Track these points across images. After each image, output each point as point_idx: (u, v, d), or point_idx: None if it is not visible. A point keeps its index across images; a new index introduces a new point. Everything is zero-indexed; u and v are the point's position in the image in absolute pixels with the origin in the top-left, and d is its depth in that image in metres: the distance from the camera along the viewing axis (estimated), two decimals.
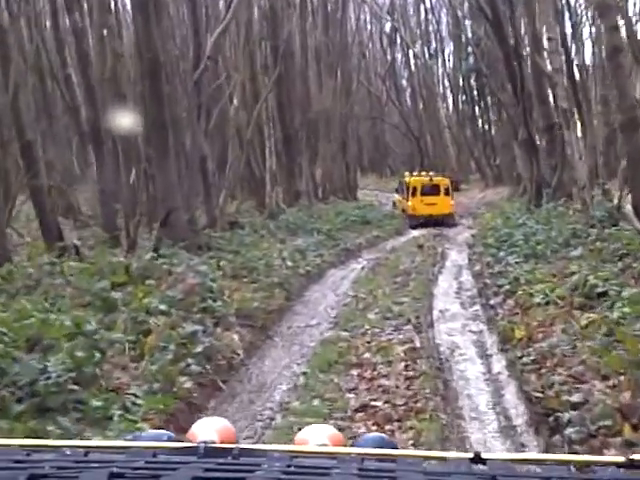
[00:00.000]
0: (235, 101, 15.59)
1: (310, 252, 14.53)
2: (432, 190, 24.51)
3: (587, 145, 20.66)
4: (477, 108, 41.79)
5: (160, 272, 9.46)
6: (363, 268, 14.41)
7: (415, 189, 24.62)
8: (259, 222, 17.79)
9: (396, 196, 28.48)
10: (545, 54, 16.77)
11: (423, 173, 28.08)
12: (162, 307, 8.26)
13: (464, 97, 42.91)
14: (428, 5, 44.55)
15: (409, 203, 24.73)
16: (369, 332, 9.24)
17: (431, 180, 24.99)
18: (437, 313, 10.51)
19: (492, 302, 9.94)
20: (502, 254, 12.03)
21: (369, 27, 46.42)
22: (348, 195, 32.18)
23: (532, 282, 9.55)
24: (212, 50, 14.26)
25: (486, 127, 43.39)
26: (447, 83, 46.00)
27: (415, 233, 22.94)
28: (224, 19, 15.65)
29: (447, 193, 24.80)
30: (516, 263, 11.09)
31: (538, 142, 19.88)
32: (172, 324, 7.74)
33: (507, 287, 9.89)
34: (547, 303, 8.37)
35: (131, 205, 14.43)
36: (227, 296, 9.80)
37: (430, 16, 45.32)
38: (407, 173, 28.64)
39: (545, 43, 14.52)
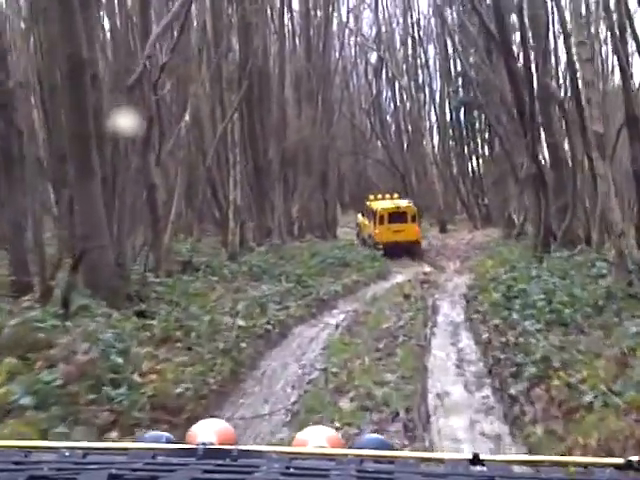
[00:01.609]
0: (187, 117, 12.82)
1: (273, 304, 11.71)
2: (399, 218, 24.69)
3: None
4: (465, 144, 39.41)
5: (41, 341, 6.60)
6: (338, 326, 11.52)
7: (382, 217, 24.61)
8: (217, 264, 14.93)
9: (360, 218, 27.88)
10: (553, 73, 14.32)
11: (387, 196, 27.79)
12: (25, 402, 5.42)
13: (452, 132, 40.53)
14: (416, 36, 42.46)
15: (376, 231, 24.57)
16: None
17: (398, 208, 25.12)
18: (434, 399, 7.73)
19: (512, 390, 7.17)
20: (515, 317, 9.24)
21: (353, 58, 44.34)
22: (327, 233, 29.45)
23: (570, 365, 6.82)
24: (151, 50, 11.60)
25: (474, 164, 41.07)
26: (434, 118, 43.70)
27: (399, 279, 20.41)
28: (181, 21, 13.10)
29: (414, 220, 25.01)
30: (537, 331, 8.33)
31: None
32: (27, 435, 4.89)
33: (532, 370, 7.13)
34: (605, 405, 5.62)
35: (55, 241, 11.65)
36: (142, 375, 6.96)
37: (418, 49, 43.15)
38: (372, 197, 28.10)
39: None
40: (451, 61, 38.72)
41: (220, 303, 10.90)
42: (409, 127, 43.15)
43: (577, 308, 8.87)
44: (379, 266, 21.64)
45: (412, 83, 41.82)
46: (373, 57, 45.56)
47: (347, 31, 38.56)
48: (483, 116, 33.08)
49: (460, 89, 36.68)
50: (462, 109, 37.38)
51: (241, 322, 9.58)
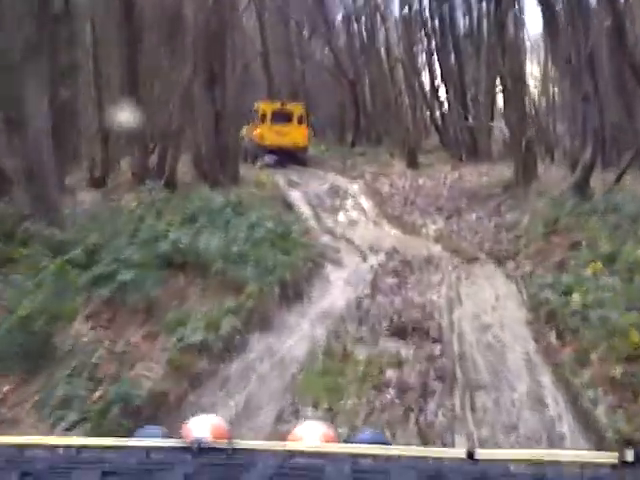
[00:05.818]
0: None
1: None
2: (284, 118, 22.23)
3: None
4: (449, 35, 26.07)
5: None
6: None
7: (264, 116, 22.21)
8: None
9: (244, 129, 23.73)
10: None
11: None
12: None
13: (422, 21, 26.91)
14: None
15: (257, 131, 21.98)
16: None
17: (283, 106, 22.81)
18: None
19: None
20: None
21: None
22: (219, 175, 16.30)
23: None
24: None
25: (453, 65, 27.79)
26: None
27: (336, 293, 8.45)
28: None
29: (301, 122, 22.64)
30: None
31: None
32: None
33: None
34: None
35: None
36: None
37: None
38: (260, 102, 24.09)
39: None
40: None
41: None
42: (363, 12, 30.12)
43: None
44: (288, 261, 9.19)
45: None
46: None
47: None
48: None
49: None
50: None
51: None
